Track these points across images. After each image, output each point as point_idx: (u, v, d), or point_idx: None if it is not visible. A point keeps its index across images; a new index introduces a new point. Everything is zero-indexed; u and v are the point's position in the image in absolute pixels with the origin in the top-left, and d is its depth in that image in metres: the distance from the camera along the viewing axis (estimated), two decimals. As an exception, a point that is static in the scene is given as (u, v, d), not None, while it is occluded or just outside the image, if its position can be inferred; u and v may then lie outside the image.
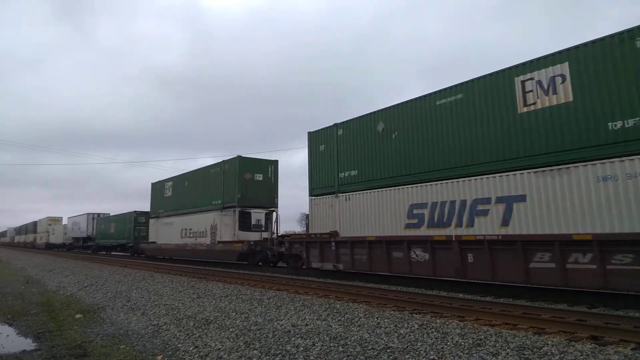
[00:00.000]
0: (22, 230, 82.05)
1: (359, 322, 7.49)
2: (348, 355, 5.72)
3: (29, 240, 71.48)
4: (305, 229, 25.03)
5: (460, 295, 10.17)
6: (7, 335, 8.59)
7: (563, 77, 9.60)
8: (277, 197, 22.20)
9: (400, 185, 12.92)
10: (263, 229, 21.51)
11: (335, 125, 15.63)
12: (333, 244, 14.72)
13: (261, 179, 21.67)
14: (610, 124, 8.79)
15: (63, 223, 57.32)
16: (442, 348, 5.75)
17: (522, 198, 9.95)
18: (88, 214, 45.85)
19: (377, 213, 13.47)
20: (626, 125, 8.58)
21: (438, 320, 7.34)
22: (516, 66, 10.55)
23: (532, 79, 10.14)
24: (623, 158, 8.47)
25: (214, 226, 22.30)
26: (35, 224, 68.68)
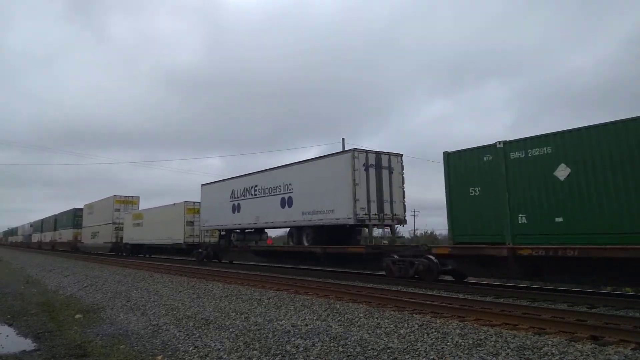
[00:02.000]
0: (47, 224, 54.72)
1: (359, 323, 7.49)
2: (348, 356, 5.72)
3: (62, 240, 46.58)
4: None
5: (460, 296, 10.17)
6: (7, 336, 8.59)
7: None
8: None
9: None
10: None
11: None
12: None
13: None
14: None
15: (184, 201, 25.91)
16: (442, 348, 5.75)
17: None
18: (355, 150, 14.98)
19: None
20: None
21: (438, 320, 7.34)
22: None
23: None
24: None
25: None
26: (74, 213, 43.48)
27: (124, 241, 33.12)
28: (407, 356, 5.56)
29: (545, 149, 10.10)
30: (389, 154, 15.62)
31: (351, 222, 14.51)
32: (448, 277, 12.86)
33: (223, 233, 22.41)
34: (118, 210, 34.76)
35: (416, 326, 6.96)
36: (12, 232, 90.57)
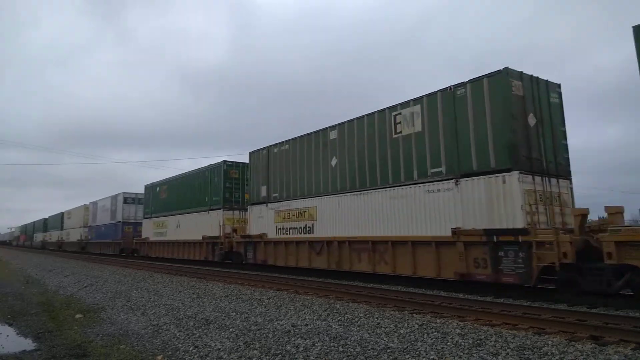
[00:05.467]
0: (184, 194, 24.20)
1: (359, 322, 7.49)
2: (348, 356, 5.72)
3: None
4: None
5: (460, 295, 10.17)
6: (7, 335, 8.59)
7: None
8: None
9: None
10: None
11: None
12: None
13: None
14: None
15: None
16: (442, 348, 5.75)
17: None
18: None
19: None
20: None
21: (438, 320, 7.34)
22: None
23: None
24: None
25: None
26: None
27: None
28: (407, 356, 5.56)
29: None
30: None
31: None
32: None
33: None
34: None
35: (416, 326, 6.96)
36: (44, 225, 56.92)
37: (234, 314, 8.85)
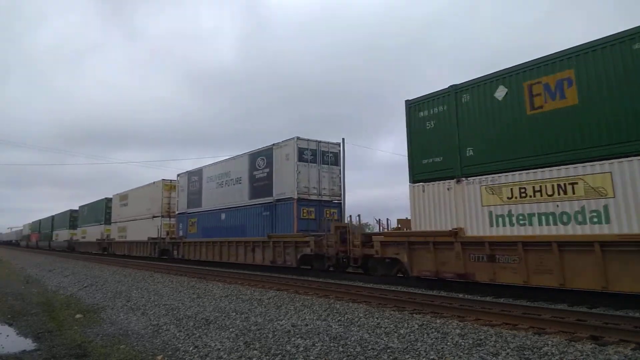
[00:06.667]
0: None
1: (359, 322, 7.49)
2: (348, 356, 5.72)
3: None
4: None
5: (460, 295, 10.16)
6: (7, 335, 8.60)
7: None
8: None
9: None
10: None
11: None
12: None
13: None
14: None
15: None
16: (442, 348, 5.75)
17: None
18: None
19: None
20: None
21: (438, 320, 7.34)
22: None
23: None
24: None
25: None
26: None
27: None
28: (407, 356, 5.56)
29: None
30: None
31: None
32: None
33: None
34: None
35: (416, 326, 6.96)
36: (70, 219, 42.53)
37: (234, 314, 8.85)
